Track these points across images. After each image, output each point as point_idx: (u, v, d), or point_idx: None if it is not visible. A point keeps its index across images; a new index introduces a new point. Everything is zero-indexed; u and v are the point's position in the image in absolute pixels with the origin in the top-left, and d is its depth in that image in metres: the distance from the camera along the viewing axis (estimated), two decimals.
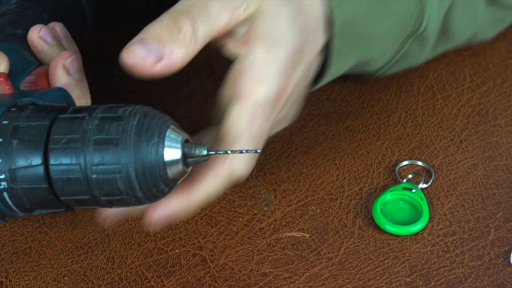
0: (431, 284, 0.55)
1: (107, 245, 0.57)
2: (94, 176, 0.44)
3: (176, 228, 0.58)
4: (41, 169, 0.44)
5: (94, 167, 0.44)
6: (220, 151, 0.47)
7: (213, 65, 0.70)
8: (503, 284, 0.55)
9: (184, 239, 0.58)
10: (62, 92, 0.50)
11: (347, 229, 0.59)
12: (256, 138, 0.51)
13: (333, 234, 0.59)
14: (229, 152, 0.48)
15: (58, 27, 0.58)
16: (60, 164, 0.44)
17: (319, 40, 0.55)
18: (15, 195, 0.45)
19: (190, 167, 0.46)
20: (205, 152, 0.46)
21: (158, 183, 0.44)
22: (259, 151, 0.49)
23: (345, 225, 0.59)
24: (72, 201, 0.45)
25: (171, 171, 0.45)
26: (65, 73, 0.54)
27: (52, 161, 0.44)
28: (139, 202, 0.45)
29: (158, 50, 0.48)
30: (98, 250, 0.57)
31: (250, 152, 0.48)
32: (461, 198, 0.60)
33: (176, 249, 0.57)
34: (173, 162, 0.45)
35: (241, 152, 0.48)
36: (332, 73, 0.58)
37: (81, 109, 0.46)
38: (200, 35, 0.49)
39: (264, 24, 0.51)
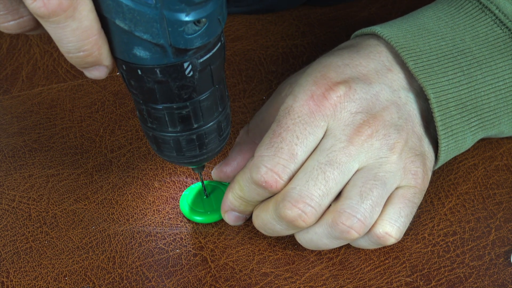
0: (432, 284, 0.55)
1: (108, 245, 0.57)
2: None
3: (177, 228, 0.58)
4: None
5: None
6: None
7: None
8: (504, 284, 0.55)
9: (185, 239, 0.58)
10: None
11: None
12: None
13: None
14: None
15: None
16: None
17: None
18: None
19: None
20: None
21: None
22: None
23: None
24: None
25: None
26: None
27: None
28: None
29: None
30: (99, 250, 0.57)
31: None
32: (462, 198, 0.60)
33: (177, 249, 0.57)
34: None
35: None
36: (447, 147, 0.57)
37: None
38: None
39: None
